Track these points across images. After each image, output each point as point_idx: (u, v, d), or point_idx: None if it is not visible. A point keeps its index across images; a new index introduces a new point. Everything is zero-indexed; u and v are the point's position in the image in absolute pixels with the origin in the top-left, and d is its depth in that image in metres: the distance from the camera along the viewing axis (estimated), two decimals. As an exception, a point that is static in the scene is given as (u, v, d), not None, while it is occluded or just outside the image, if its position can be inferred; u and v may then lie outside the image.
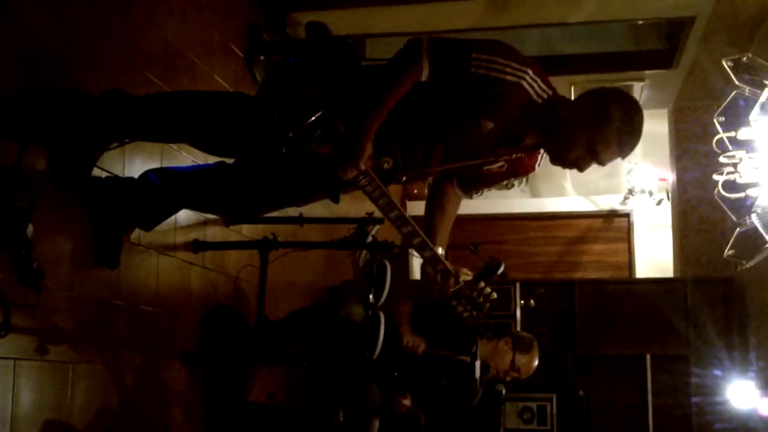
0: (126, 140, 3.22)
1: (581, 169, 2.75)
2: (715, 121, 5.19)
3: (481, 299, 2.73)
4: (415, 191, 8.79)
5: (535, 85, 2.63)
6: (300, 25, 5.38)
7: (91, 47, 3.29)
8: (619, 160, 2.78)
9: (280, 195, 3.14)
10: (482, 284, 2.72)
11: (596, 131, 2.64)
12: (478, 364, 4.32)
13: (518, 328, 7.01)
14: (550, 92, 2.69)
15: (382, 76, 2.63)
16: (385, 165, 2.72)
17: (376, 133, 2.63)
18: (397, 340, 4.31)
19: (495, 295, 2.73)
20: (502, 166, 2.88)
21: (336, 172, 2.59)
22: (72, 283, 3.09)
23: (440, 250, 2.89)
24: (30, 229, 2.69)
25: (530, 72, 2.61)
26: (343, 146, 2.57)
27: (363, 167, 2.57)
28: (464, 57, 2.57)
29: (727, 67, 4.97)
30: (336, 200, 2.86)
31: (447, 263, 2.75)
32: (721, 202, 5.20)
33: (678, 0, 5.33)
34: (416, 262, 7.35)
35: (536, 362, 4.51)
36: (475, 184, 3.12)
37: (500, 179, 3.07)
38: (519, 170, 3.01)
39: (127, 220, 3.31)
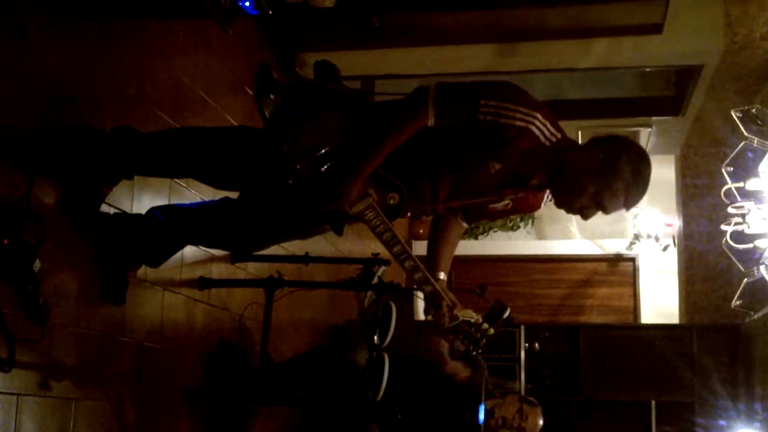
0: (134, 176, 3.24)
1: (585, 217, 2.74)
2: (723, 171, 5.20)
3: (479, 335, 2.79)
4: (421, 231, 8.80)
5: (544, 129, 2.61)
6: (309, 65, 5.43)
7: (103, 83, 3.32)
8: None
9: (285, 227, 3.13)
10: (480, 320, 2.78)
11: (605, 183, 2.63)
12: (482, 408, 4.31)
13: (522, 371, 6.98)
14: (559, 135, 2.67)
15: (386, 121, 2.64)
16: (391, 201, 2.74)
17: (383, 168, 2.67)
18: (400, 381, 4.29)
19: (492, 331, 2.79)
20: (508, 204, 2.89)
21: (325, 205, 2.63)
22: (77, 318, 3.09)
23: (442, 275, 2.94)
24: (37, 264, 2.70)
25: (539, 116, 2.59)
26: (333, 182, 2.60)
27: (355, 206, 2.61)
28: (472, 104, 2.55)
29: (735, 117, 4.99)
30: (340, 233, 2.87)
31: (448, 295, 2.79)
32: (729, 253, 5.19)
33: (686, 49, 5.36)
34: (420, 304, 7.35)
35: (542, 422, 4.48)
36: (479, 218, 3.15)
37: (505, 215, 3.10)
38: (524, 208, 3.01)
39: (133, 257, 3.32)
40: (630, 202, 2.69)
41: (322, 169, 2.65)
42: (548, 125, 2.62)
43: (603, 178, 2.62)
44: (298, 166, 2.64)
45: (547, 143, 2.64)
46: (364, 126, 2.67)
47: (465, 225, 3.07)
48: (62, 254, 2.98)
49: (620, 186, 2.63)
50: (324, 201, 2.65)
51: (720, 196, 5.36)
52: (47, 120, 2.92)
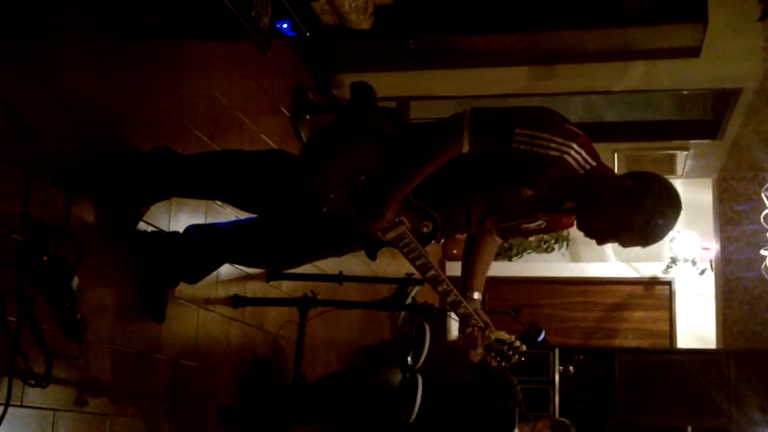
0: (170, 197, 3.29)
1: (599, 242, 2.73)
2: (762, 195, 5.15)
3: (511, 352, 2.86)
4: (454, 251, 8.79)
5: (579, 158, 2.59)
6: (345, 87, 5.46)
7: (141, 104, 3.37)
8: None
9: (322, 246, 3.16)
10: (513, 338, 2.81)
11: (623, 215, 2.60)
12: (515, 432, 4.30)
13: (556, 394, 6.94)
14: (594, 163, 2.64)
15: (421, 147, 2.64)
16: (425, 229, 2.75)
17: (418, 197, 2.69)
18: (433, 403, 4.28)
19: (525, 347, 2.82)
20: (541, 224, 2.89)
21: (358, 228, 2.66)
22: (113, 335, 3.12)
23: (476, 295, 2.96)
24: (75, 281, 2.74)
25: (575, 145, 2.56)
26: (367, 207, 2.63)
27: (389, 233, 2.63)
28: (507, 133, 2.54)
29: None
30: (373, 258, 2.88)
31: (482, 317, 2.82)
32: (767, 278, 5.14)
33: (724, 72, 5.33)
34: (454, 325, 7.32)
35: None
36: (513, 235, 3.15)
37: (539, 233, 3.09)
38: (558, 227, 3.00)
39: (172, 275, 3.36)
40: (646, 240, 2.65)
41: (358, 199, 2.68)
42: (583, 154, 2.60)
43: (622, 208, 2.60)
44: (332, 195, 2.66)
45: (581, 170, 2.62)
46: (399, 152, 2.68)
47: (499, 240, 3.08)
48: (100, 272, 3.02)
49: (639, 220, 2.59)
50: (359, 222, 2.68)
51: (759, 221, 5.31)
52: (87, 141, 2.96)
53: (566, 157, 2.56)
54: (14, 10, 2.60)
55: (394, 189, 2.63)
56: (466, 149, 2.59)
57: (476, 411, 4.48)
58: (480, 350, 2.85)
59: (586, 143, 2.61)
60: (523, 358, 2.94)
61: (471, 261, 3.04)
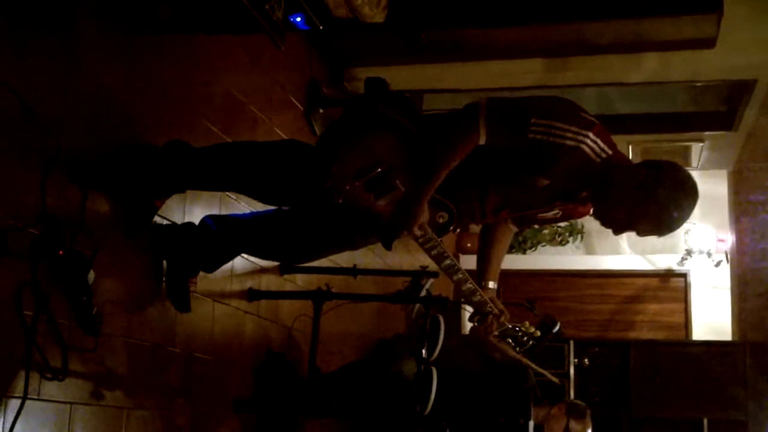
0: (186, 190, 3.30)
1: (615, 233, 2.74)
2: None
3: (525, 338, 2.92)
4: (468, 245, 8.78)
5: (595, 146, 2.58)
6: (358, 80, 5.46)
7: (154, 99, 3.38)
8: None
9: (339, 239, 3.18)
10: (527, 324, 2.85)
11: (638, 204, 2.61)
12: (531, 424, 4.30)
13: (572, 386, 6.93)
14: (611, 152, 2.63)
15: (439, 143, 2.64)
16: (440, 220, 2.78)
17: None
18: (448, 395, 4.28)
19: (539, 333, 2.85)
20: (557, 213, 2.91)
21: (391, 230, 2.66)
22: (129, 329, 3.14)
23: (492, 284, 2.98)
24: (91, 275, 2.76)
25: (591, 134, 2.56)
26: (399, 211, 2.64)
27: (417, 232, 2.64)
28: (523, 123, 2.54)
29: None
30: (389, 248, 2.91)
31: (497, 305, 2.84)
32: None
33: (739, 63, 5.29)
34: (467, 318, 7.32)
35: (590, 431, 4.44)
36: (529, 224, 3.19)
37: (555, 222, 3.11)
38: (574, 215, 3.01)
39: (191, 263, 3.37)
40: (662, 229, 2.66)
41: (374, 191, 2.69)
42: (599, 142, 2.59)
43: (638, 197, 2.60)
44: (347, 187, 2.67)
45: (597, 159, 2.61)
46: (418, 147, 2.69)
47: (515, 229, 3.09)
48: (115, 266, 3.03)
49: (655, 209, 2.60)
50: (393, 230, 2.70)
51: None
52: (101, 136, 2.98)
53: (582, 146, 2.56)
54: (26, 4, 2.61)
55: (422, 190, 2.65)
56: (483, 140, 2.59)
57: (491, 398, 4.48)
58: (494, 336, 2.88)
59: (602, 131, 2.61)
60: (537, 344, 2.97)
61: (486, 250, 3.06)
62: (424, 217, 2.66)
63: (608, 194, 2.66)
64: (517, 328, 2.93)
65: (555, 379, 4.41)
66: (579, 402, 4.69)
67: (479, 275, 2.99)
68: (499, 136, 2.60)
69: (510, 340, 2.94)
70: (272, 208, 3.26)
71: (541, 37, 5.12)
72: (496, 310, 2.86)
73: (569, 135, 2.54)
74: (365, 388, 4.46)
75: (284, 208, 3.22)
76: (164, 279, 3.33)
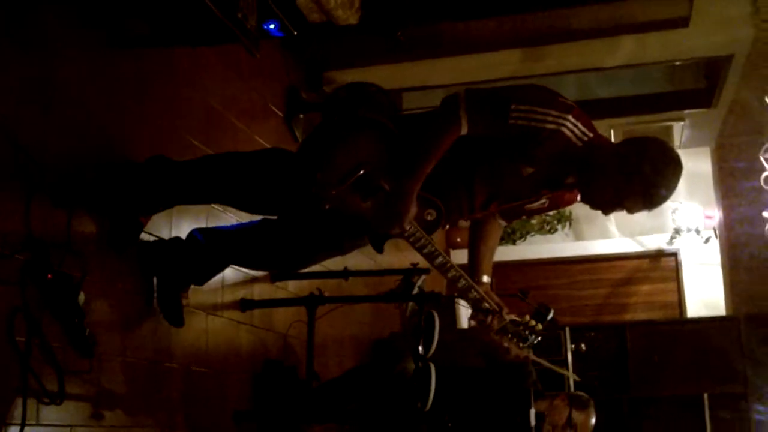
0: (171, 205, 3.29)
1: (605, 212, 2.77)
2: (761, 158, 5.15)
3: (527, 332, 2.89)
4: (458, 240, 8.79)
5: (576, 129, 2.62)
6: (337, 84, 5.45)
7: (134, 114, 3.37)
8: None
9: (328, 244, 3.16)
10: (527, 318, 2.84)
11: (624, 181, 2.63)
12: (533, 411, 4.29)
13: (571, 372, 6.94)
14: (591, 135, 2.67)
15: (422, 138, 2.65)
16: (429, 217, 2.78)
17: None
18: (448, 389, 4.28)
19: (540, 326, 2.84)
20: (544, 203, 2.92)
21: (378, 231, 2.65)
22: (124, 347, 3.13)
23: (485, 278, 2.99)
24: (81, 296, 2.75)
25: (571, 117, 2.60)
26: (385, 208, 2.64)
27: (406, 228, 2.64)
28: (503, 109, 2.57)
29: (769, 103, 4.94)
30: (380, 251, 2.89)
31: (492, 299, 2.83)
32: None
33: (715, 40, 5.31)
34: (463, 312, 7.32)
35: (593, 420, 4.43)
36: (517, 217, 3.19)
37: (543, 212, 3.11)
38: (561, 204, 3.04)
39: (181, 278, 3.36)
40: (650, 203, 2.68)
41: (359, 193, 2.68)
42: (579, 125, 2.63)
43: (623, 175, 2.63)
44: (333, 192, 2.66)
45: (579, 143, 2.65)
46: (400, 146, 2.69)
47: (503, 223, 3.11)
48: (105, 285, 3.02)
49: (641, 184, 2.62)
50: (383, 229, 2.70)
51: (759, 184, 5.30)
52: (82, 155, 2.97)
53: (563, 129, 2.59)
54: (3, 26, 2.60)
55: (408, 185, 2.65)
56: (465, 130, 2.61)
57: (491, 393, 4.47)
58: (495, 333, 2.87)
59: (581, 115, 2.64)
60: (540, 337, 2.97)
61: (477, 246, 3.07)
62: (412, 213, 2.66)
63: (593, 176, 2.69)
64: (519, 323, 2.91)
65: (573, 376, 4.38)
66: (581, 393, 4.68)
67: (472, 271, 2.99)
68: (481, 125, 2.62)
69: (511, 336, 2.93)
70: (259, 218, 3.25)
71: (519, 26, 5.14)
72: (494, 306, 2.85)
73: (549, 119, 2.58)
74: (372, 391, 4.45)
75: (270, 217, 3.21)
76: (155, 295, 3.31)
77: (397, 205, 2.65)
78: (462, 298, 2.91)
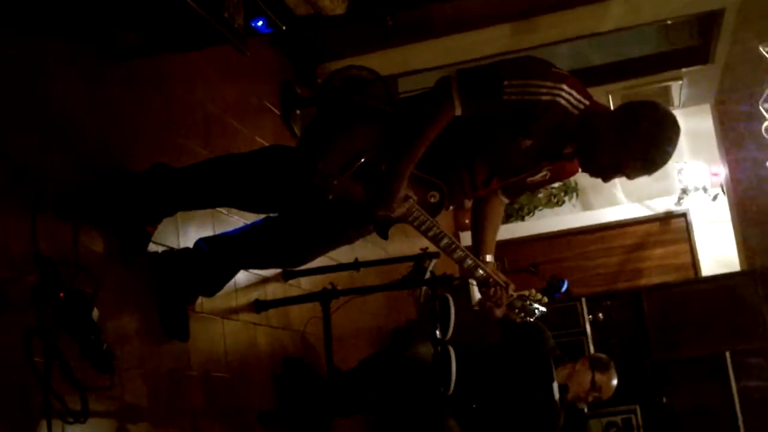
0: (175, 212, 3.27)
1: (606, 179, 2.75)
2: (760, 107, 5.12)
3: (533, 306, 2.95)
4: (467, 221, 8.77)
5: (571, 98, 2.61)
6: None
7: (132, 124, 3.35)
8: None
9: (333, 235, 3.15)
10: (533, 291, 2.86)
11: (623, 146, 2.61)
12: (555, 385, 4.29)
13: (590, 342, 6.93)
14: (587, 102, 2.66)
15: (415, 120, 2.64)
16: (432, 199, 2.77)
17: (419, 168, 2.69)
18: (469, 371, 4.27)
19: (546, 299, 2.86)
20: (546, 175, 2.91)
21: (370, 212, 2.66)
22: (142, 359, 3.12)
23: (489, 257, 2.98)
24: (95, 312, 2.74)
25: (565, 87, 2.59)
26: (377, 190, 2.62)
27: (397, 210, 2.62)
28: (496, 86, 2.56)
29: (765, 53, 4.90)
30: (385, 237, 2.87)
31: (500, 277, 2.83)
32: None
33: (705, -6, 5.29)
34: (476, 291, 7.32)
35: (615, 381, 4.43)
36: (519, 192, 3.17)
37: (545, 185, 3.10)
38: (563, 175, 3.03)
39: (188, 291, 3.35)
40: (650, 166, 2.66)
41: (361, 180, 2.67)
42: (574, 94, 2.62)
43: (621, 140, 2.61)
44: (336, 182, 2.65)
45: (575, 111, 2.63)
46: (395, 129, 2.68)
47: (506, 200, 3.09)
48: (118, 299, 3.01)
49: (638, 148, 2.61)
50: (373, 207, 2.67)
51: (762, 136, 5.27)
52: (83, 169, 2.95)
53: (559, 99, 2.58)
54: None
55: (400, 166, 2.63)
56: (459, 111, 2.60)
57: (512, 367, 4.46)
58: (503, 309, 2.88)
59: (576, 83, 2.63)
60: (545, 310, 3.00)
61: (480, 225, 3.06)
62: (402, 194, 2.65)
63: (592, 143, 2.68)
64: (525, 297, 2.94)
65: None
66: (601, 354, 4.68)
67: (476, 251, 2.99)
68: (475, 105, 2.60)
69: (518, 311, 2.97)
70: (261, 217, 3.24)
71: (506, 0, 5.11)
72: (501, 282, 2.86)
73: (544, 90, 2.56)
74: (386, 378, 4.45)
75: (272, 215, 3.20)
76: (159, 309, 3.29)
77: (390, 185, 2.63)
78: (470, 277, 2.92)
